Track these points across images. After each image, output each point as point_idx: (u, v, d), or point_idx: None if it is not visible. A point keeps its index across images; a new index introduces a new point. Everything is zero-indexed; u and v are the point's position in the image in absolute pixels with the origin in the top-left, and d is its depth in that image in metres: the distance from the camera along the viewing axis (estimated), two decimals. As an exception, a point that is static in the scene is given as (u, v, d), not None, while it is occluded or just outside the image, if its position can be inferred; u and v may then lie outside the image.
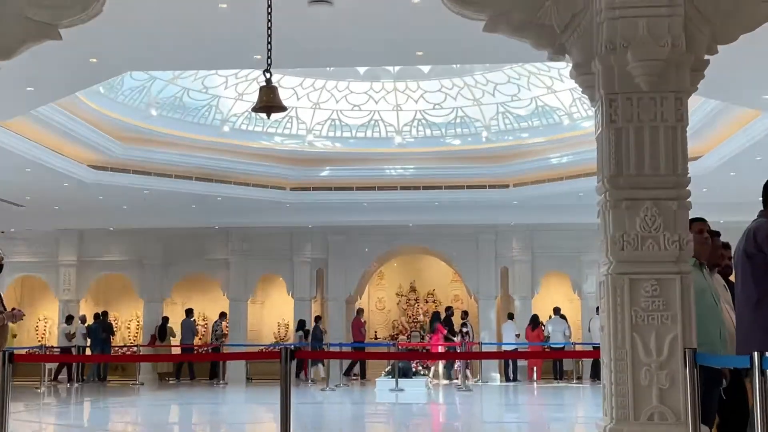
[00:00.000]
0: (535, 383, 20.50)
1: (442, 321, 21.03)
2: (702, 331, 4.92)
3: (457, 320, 22.34)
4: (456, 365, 20.10)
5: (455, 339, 20.47)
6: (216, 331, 21.71)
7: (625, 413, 4.66)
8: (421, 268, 25.25)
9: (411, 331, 23.01)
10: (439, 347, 19.94)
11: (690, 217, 4.95)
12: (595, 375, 20.00)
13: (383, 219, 20.28)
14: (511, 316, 21.42)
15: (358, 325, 21.81)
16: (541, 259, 22.09)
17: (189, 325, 21.68)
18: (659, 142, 4.80)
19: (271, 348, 21.55)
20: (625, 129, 4.85)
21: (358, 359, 21.18)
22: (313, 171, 19.13)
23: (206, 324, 23.98)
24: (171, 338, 21.91)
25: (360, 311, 22.42)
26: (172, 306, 23.12)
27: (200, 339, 23.02)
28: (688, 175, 4.88)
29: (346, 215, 20.16)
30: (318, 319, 21.82)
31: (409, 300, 25.07)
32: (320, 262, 22.70)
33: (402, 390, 17.18)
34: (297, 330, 21.61)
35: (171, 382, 21.38)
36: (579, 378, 20.73)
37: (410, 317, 24.70)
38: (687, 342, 4.71)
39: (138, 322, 23.30)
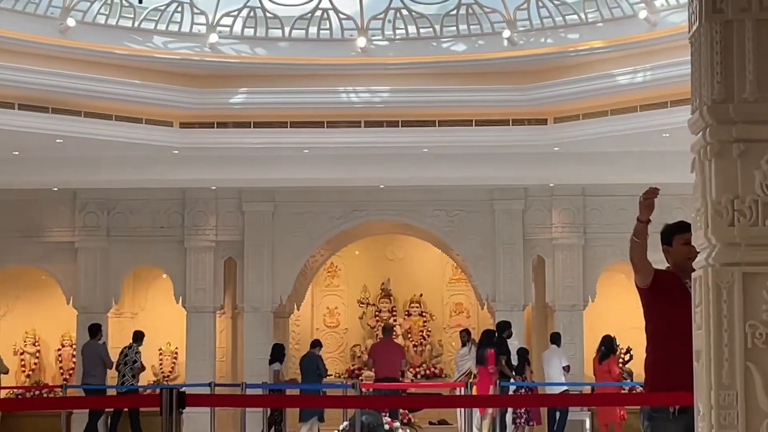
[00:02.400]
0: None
1: (494, 344, 20.30)
2: None
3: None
4: (514, 417, 20.27)
5: (517, 375, 20.29)
6: (129, 360, 21.19)
7: (736, 501, 4.68)
8: (401, 259, 26.06)
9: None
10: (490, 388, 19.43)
11: None
12: None
13: (337, 176, 20.65)
14: (556, 339, 21.27)
15: (398, 354, 21.67)
16: (601, 243, 22.24)
17: (96, 351, 21.30)
18: None
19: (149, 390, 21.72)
20: (739, 24, 4.85)
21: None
22: (219, 95, 19.18)
23: (38, 349, 24.16)
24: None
25: (389, 329, 22.23)
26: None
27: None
28: None
29: (273, 169, 20.53)
30: (316, 345, 21.81)
31: (381, 311, 25.69)
32: (231, 248, 22.86)
33: None
34: (272, 361, 21.67)
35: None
36: None
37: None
38: None
39: None
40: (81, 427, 21.21)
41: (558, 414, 20.77)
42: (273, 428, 21.37)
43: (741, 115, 4.83)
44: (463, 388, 19.46)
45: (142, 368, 21.48)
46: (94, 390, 20.87)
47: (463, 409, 19.58)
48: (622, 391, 20.47)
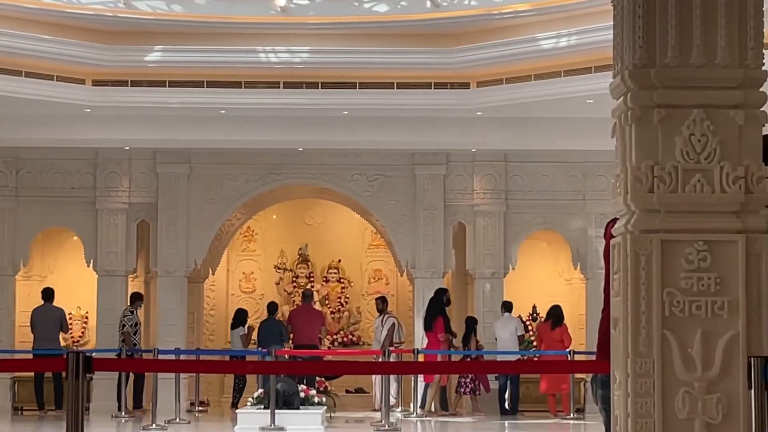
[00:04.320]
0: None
1: (443, 312, 20.85)
2: None
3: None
4: (457, 386, 20.82)
5: (463, 345, 21.05)
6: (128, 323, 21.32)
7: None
8: (319, 224, 25.90)
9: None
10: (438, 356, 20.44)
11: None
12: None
13: (254, 138, 20.54)
14: (509, 307, 21.51)
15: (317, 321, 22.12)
16: (522, 209, 22.25)
17: (56, 315, 21.57)
18: (717, 11, 4.94)
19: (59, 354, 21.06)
20: (663, -16, 4.95)
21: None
22: (134, 53, 19.00)
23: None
24: None
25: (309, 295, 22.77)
26: None
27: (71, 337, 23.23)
28: (765, 68, 4.97)
29: (189, 130, 20.34)
30: (273, 307, 22.22)
31: (298, 277, 25.52)
32: (144, 210, 22.59)
33: (282, 430, 17.08)
34: (234, 325, 22.21)
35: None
36: (580, 410, 20.67)
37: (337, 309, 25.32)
38: (754, 346, 4.77)
39: None
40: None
41: (509, 385, 21.02)
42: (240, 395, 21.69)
43: (662, 80, 5.00)
44: (381, 356, 19.71)
45: (132, 333, 21.45)
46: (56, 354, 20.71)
47: (380, 377, 19.74)
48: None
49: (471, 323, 21.08)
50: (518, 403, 20.88)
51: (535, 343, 22.08)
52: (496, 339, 21.29)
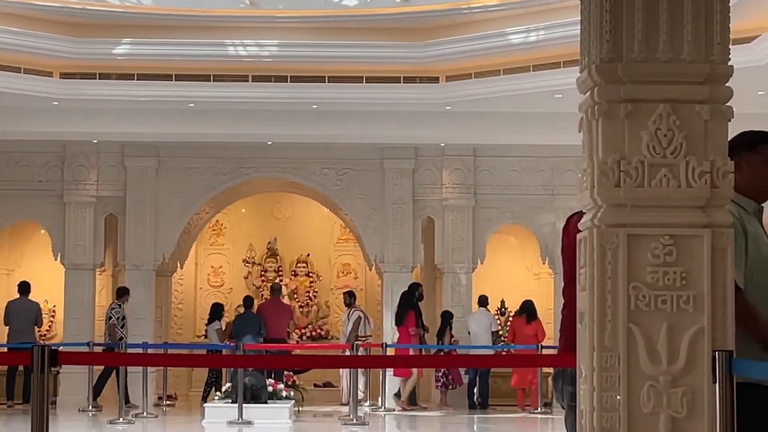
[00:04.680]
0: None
1: (415, 306, 20.89)
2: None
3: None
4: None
5: (438, 339, 21.08)
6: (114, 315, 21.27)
7: (615, 461, 4.85)
8: (288, 218, 26.01)
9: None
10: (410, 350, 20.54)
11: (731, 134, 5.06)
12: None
13: (223, 131, 20.53)
14: (484, 302, 21.58)
15: (286, 315, 21.89)
16: (491, 204, 22.32)
17: (33, 308, 21.55)
18: (684, 6, 4.95)
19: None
20: (629, -19, 5.02)
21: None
22: (102, 45, 18.82)
23: None
24: None
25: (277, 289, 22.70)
26: None
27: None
28: (731, 63, 4.96)
29: (158, 123, 20.31)
30: (250, 301, 22.00)
31: (267, 271, 25.67)
32: (112, 203, 22.48)
33: (250, 424, 17.18)
34: (210, 320, 22.10)
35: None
36: (548, 404, 20.46)
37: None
38: (719, 340, 4.79)
39: None
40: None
41: (478, 379, 21.03)
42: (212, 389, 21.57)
43: (629, 74, 4.95)
44: (349, 350, 19.69)
45: (119, 326, 21.35)
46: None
47: (348, 372, 19.73)
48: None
49: (446, 317, 21.10)
50: (488, 398, 20.88)
51: (504, 338, 22.02)
52: (469, 333, 21.32)
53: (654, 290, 4.84)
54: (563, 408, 6.69)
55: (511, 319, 22.27)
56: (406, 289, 21.14)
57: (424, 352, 20.54)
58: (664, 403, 4.79)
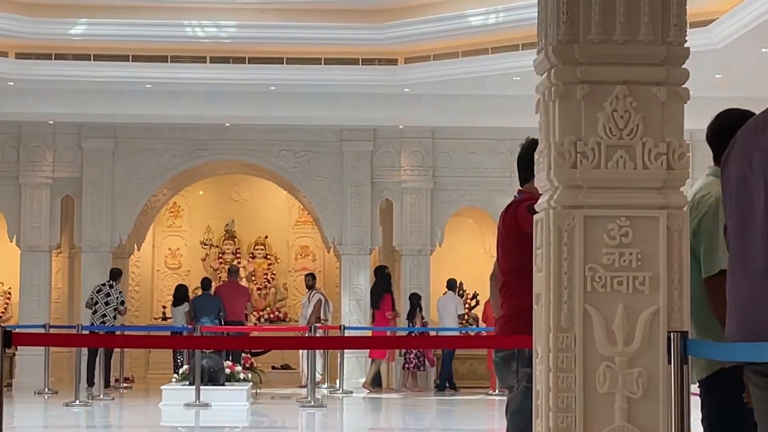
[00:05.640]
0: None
1: (389, 289, 21.24)
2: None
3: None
4: (404, 363, 21.06)
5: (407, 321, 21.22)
6: (113, 300, 20.99)
7: (569, 441, 4.82)
8: (246, 201, 25.88)
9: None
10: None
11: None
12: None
13: (181, 112, 20.49)
14: (452, 285, 21.81)
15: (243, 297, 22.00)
16: (449, 186, 22.36)
17: None
18: None
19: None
20: (584, -39, 5.02)
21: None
22: (58, 25, 18.70)
23: None
24: None
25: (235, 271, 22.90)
26: None
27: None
28: (687, 45, 4.95)
29: (114, 104, 20.33)
30: (208, 283, 22.18)
31: (224, 253, 25.63)
32: (69, 185, 22.42)
33: (207, 406, 17.08)
34: (176, 303, 22.04)
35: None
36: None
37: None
38: (674, 321, 4.82)
39: None
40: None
41: (445, 362, 21.12)
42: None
43: (586, 56, 4.92)
44: (308, 333, 19.71)
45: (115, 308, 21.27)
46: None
47: (306, 353, 19.74)
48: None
49: (415, 300, 21.17)
50: (451, 380, 21.05)
51: (468, 323, 22.07)
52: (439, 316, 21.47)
53: (610, 271, 4.84)
54: (507, 390, 6.64)
55: (473, 301, 22.43)
56: (376, 272, 21.43)
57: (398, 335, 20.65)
58: (619, 384, 4.80)
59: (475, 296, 22.65)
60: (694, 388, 5.25)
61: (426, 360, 20.69)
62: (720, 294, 4.86)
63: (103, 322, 20.54)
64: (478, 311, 22.39)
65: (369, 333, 20.65)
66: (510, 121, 19.99)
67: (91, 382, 19.53)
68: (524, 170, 6.90)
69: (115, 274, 21.06)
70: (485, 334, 20.83)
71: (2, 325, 22.11)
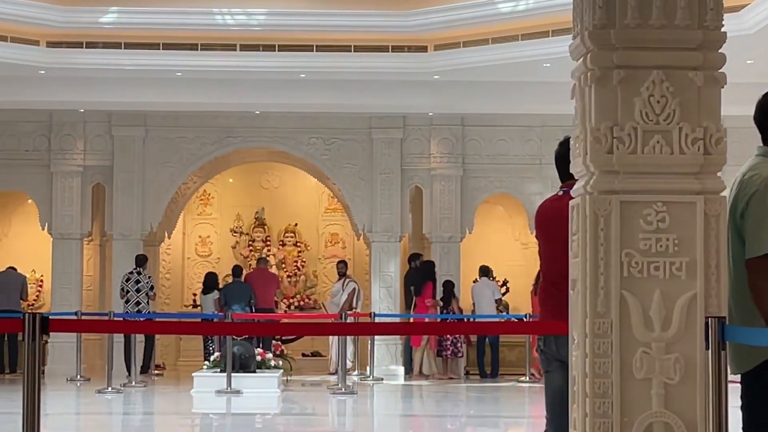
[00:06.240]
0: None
1: (433, 277, 21.27)
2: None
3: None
4: (440, 349, 21.04)
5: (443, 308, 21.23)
6: (144, 286, 21.09)
7: (606, 425, 4.76)
8: (276, 188, 25.72)
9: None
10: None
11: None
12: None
13: (211, 100, 20.48)
14: (486, 271, 21.66)
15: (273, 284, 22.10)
16: (478, 173, 22.27)
17: (20, 280, 21.96)
18: None
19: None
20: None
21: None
22: (89, 14, 18.71)
23: None
24: None
25: (263, 259, 23.03)
26: None
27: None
28: (724, 30, 4.91)
29: (145, 92, 20.26)
30: (239, 270, 21.97)
31: (254, 241, 25.45)
32: (99, 173, 22.44)
33: (238, 393, 17.15)
34: (206, 290, 21.90)
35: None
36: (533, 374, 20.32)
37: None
38: (711, 307, 4.76)
39: None
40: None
41: (491, 350, 21.12)
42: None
43: (622, 40, 4.90)
44: (338, 320, 19.71)
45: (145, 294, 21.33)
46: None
47: (336, 340, 19.76)
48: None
49: (449, 287, 21.18)
50: (498, 367, 21.11)
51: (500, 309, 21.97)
52: (473, 303, 21.45)
53: (647, 257, 4.81)
54: (547, 372, 6.53)
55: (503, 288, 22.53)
56: (413, 260, 21.54)
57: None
58: (656, 369, 4.77)
59: (504, 283, 22.54)
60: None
61: (463, 346, 20.67)
62: (763, 277, 4.84)
63: (138, 310, 20.55)
64: (509, 299, 22.33)
65: (398, 320, 20.63)
66: (540, 108, 20.15)
67: (130, 370, 19.56)
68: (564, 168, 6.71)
69: (141, 261, 21.02)
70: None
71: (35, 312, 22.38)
